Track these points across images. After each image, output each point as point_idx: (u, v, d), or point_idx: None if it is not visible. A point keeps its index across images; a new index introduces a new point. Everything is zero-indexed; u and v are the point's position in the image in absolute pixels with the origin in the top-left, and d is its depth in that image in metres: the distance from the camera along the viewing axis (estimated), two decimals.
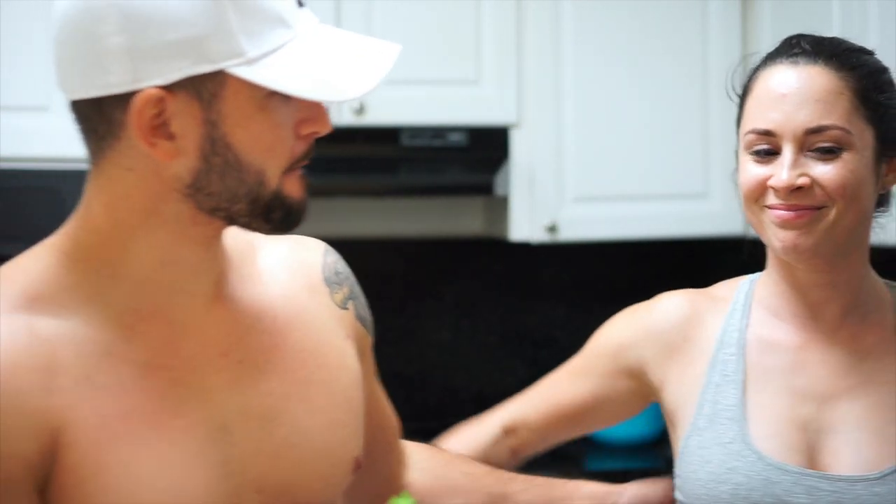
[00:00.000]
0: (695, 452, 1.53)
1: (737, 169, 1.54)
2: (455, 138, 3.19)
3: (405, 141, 3.16)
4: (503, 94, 3.23)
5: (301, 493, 1.22)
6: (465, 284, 3.59)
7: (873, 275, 1.56)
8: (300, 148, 1.18)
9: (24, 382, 1.10)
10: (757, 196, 1.49)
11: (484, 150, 3.23)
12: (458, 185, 3.33)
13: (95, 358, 1.14)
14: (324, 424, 1.25)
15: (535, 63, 3.25)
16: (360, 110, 3.09)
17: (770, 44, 3.61)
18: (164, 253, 1.17)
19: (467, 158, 3.23)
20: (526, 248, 3.37)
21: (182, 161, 1.13)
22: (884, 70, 1.53)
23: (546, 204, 3.26)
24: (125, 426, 1.13)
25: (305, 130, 1.17)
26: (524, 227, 3.27)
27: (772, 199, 1.48)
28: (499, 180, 3.24)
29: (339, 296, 1.35)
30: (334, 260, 1.37)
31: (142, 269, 1.17)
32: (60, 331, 1.13)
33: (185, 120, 1.12)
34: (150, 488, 1.13)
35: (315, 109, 1.17)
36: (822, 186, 1.45)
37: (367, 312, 1.40)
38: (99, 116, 1.14)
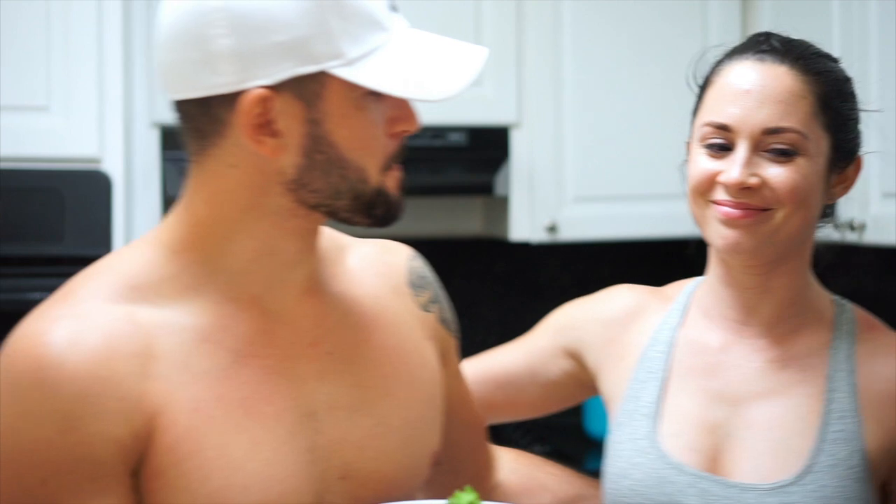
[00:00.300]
0: (612, 447, 1.54)
1: (687, 160, 1.52)
2: (455, 138, 3.19)
3: (405, 141, 3.16)
4: (503, 94, 3.23)
5: (383, 482, 1.27)
6: (465, 284, 3.59)
7: (817, 287, 1.54)
8: (392, 146, 1.25)
9: (123, 367, 1.15)
10: (704, 190, 1.47)
11: (484, 150, 3.23)
12: (458, 185, 3.33)
13: (193, 345, 1.19)
14: (405, 418, 1.30)
15: (535, 63, 3.25)
16: None
17: None
18: (263, 245, 1.23)
19: (467, 158, 3.23)
20: (526, 248, 3.37)
21: (286, 157, 1.19)
22: (847, 79, 1.51)
23: (546, 204, 3.26)
24: (219, 410, 1.18)
25: (396, 129, 1.24)
26: (524, 227, 3.27)
27: (720, 194, 1.45)
28: (499, 180, 3.24)
29: (423, 299, 1.41)
30: (419, 265, 1.44)
31: (240, 261, 1.23)
32: (159, 319, 1.19)
33: (289, 118, 1.17)
34: (242, 470, 1.18)
35: (404, 109, 1.24)
36: (772, 188, 1.43)
37: (450, 316, 1.46)
38: (205, 116, 1.19)
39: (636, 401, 1.53)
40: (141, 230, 3.09)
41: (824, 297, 1.53)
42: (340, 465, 1.25)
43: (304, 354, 1.25)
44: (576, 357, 1.62)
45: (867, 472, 1.42)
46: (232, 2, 1.15)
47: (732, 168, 1.43)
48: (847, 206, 2.87)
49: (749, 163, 1.43)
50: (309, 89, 1.17)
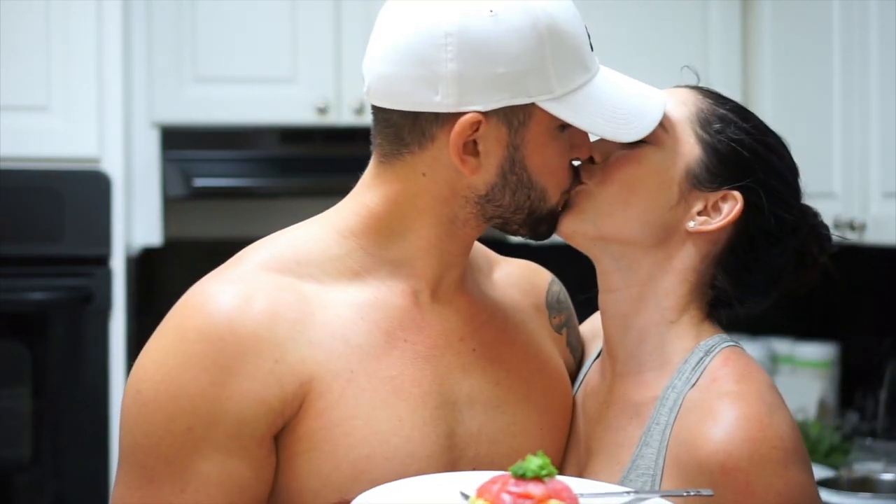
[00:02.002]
0: None
1: None
2: None
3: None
4: None
5: None
6: None
7: (686, 329, 1.38)
8: (570, 173, 1.34)
9: (283, 332, 1.24)
10: None
11: None
12: None
13: (350, 321, 1.28)
14: (539, 422, 1.38)
15: None
16: (360, 110, 3.09)
17: (770, 44, 3.60)
18: (431, 245, 1.32)
19: None
20: (526, 249, 3.36)
21: (481, 175, 1.29)
22: (776, 151, 1.39)
23: None
24: (370, 384, 1.27)
25: (571, 156, 1.34)
26: None
27: None
28: None
29: (557, 321, 1.49)
30: (558, 289, 1.52)
31: (405, 255, 1.32)
32: (322, 294, 1.28)
33: (492, 141, 1.27)
34: (387, 443, 1.26)
35: (583, 140, 1.33)
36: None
37: (578, 343, 1.53)
38: (412, 127, 1.28)
39: None
40: (141, 230, 3.09)
41: (686, 340, 1.38)
42: (474, 456, 1.32)
43: (451, 347, 1.33)
44: None
45: None
46: (465, 30, 1.23)
47: None
48: (847, 206, 2.88)
49: (607, 143, 1.36)
50: (516, 118, 1.27)
